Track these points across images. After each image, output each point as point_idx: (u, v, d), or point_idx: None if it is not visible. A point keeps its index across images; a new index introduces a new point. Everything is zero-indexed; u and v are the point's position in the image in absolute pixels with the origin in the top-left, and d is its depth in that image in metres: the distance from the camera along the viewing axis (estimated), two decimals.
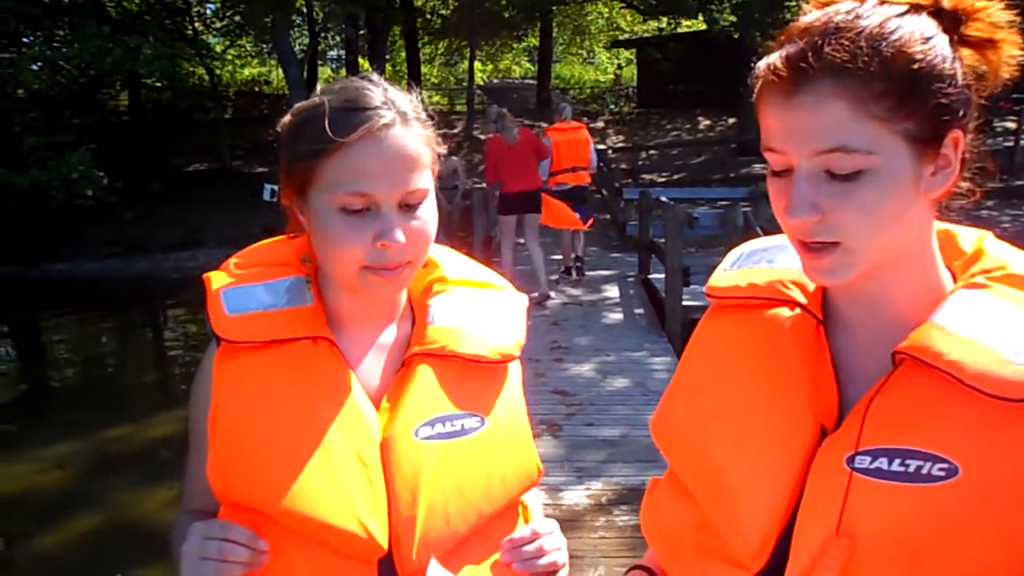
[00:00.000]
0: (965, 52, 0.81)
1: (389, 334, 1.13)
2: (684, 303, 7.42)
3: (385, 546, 0.98)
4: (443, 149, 1.09)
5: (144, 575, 4.54)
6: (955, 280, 0.88)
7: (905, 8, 0.80)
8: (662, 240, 8.44)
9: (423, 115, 1.05)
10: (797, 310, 0.94)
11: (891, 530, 0.77)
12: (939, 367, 0.77)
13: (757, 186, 11.68)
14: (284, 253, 1.14)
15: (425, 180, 1.02)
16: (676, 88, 26.70)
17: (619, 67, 40.68)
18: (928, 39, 0.78)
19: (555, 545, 1.09)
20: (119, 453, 6.47)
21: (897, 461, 0.78)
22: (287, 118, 1.05)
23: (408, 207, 1.01)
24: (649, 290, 9.11)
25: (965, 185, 0.85)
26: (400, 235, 0.99)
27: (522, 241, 8.62)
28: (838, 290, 0.90)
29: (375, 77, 1.06)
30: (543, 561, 1.07)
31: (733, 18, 19.17)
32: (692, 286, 7.47)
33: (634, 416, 5.30)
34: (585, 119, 26.33)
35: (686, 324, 7.33)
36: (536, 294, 8.08)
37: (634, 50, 32.74)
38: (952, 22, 0.80)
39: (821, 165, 0.78)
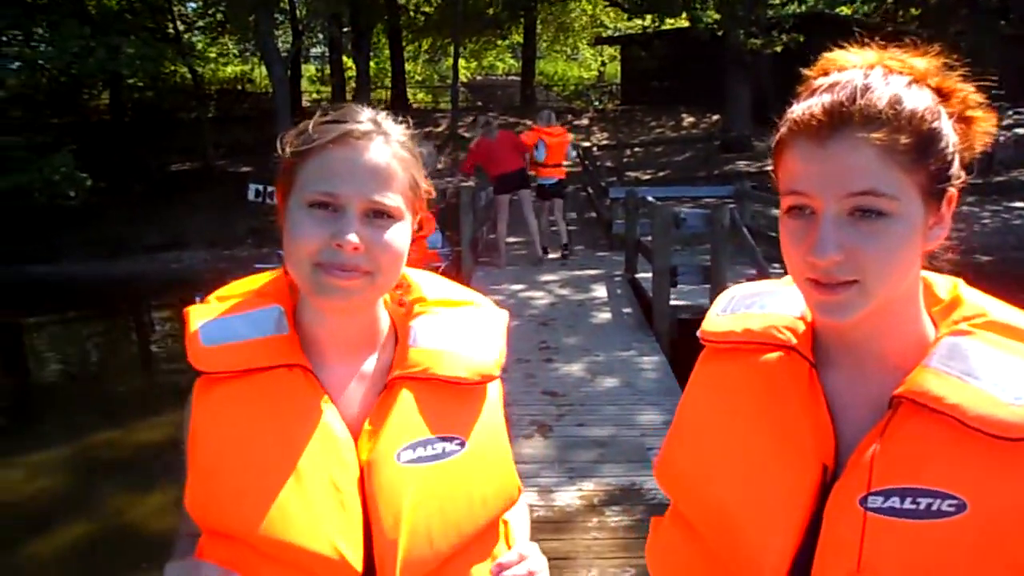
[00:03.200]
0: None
1: (372, 361, 1.14)
2: (672, 303, 7.46)
3: (359, 568, 0.99)
4: (429, 186, 1.12)
5: None
6: (935, 326, 0.93)
7: (910, 79, 0.87)
8: (648, 239, 8.48)
9: (411, 146, 1.09)
10: (789, 354, 0.99)
11: (907, 565, 0.82)
12: (940, 410, 0.83)
13: (742, 184, 11.77)
14: (266, 286, 1.16)
15: (396, 200, 1.04)
16: (660, 85, 26.81)
17: (603, 64, 40.76)
18: (935, 107, 0.86)
19: (540, 567, 1.10)
20: (107, 458, 6.44)
21: (908, 499, 0.83)
22: (297, 128, 1.10)
23: (375, 218, 1.03)
24: (636, 289, 9.12)
25: (947, 242, 0.93)
26: (354, 237, 1.00)
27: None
28: (830, 334, 0.96)
29: (376, 109, 1.12)
30: None
31: (717, 16, 19.25)
32: (680, 286, 7.50)
33: (624, 416, 5.32)
34: (569, 116, 26.47)
35: (673, 324, 7.37)
36: (535, 253, 10.68)
37: (618, 47, 32.79)
38: (940, 96, 0.88)
39: (850, 207, 0.84)
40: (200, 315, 1.12)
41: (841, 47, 0.92)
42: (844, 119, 0.83)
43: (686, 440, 1.04)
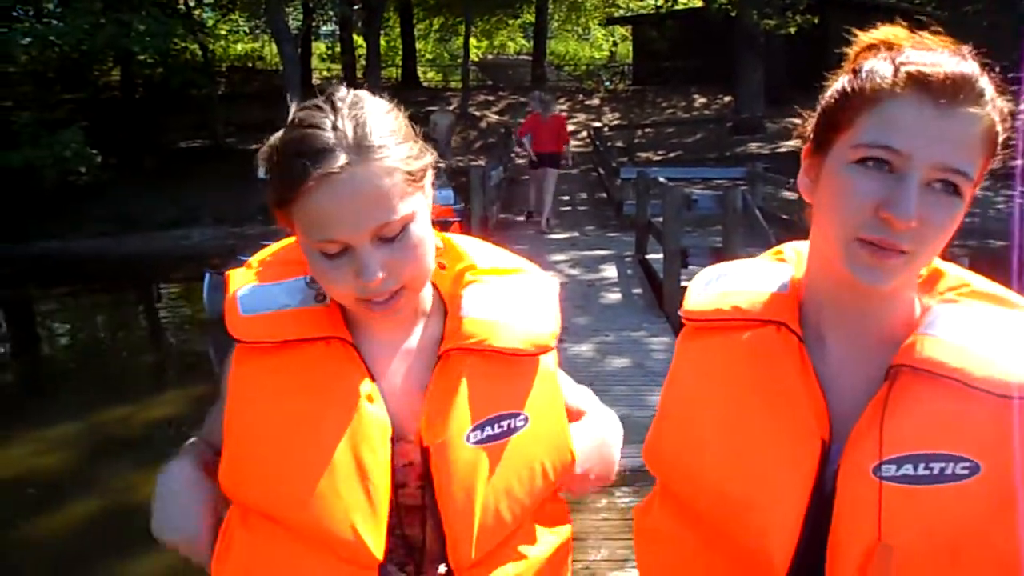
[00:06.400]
0: None
1: (418, 332, 1.12)
2: (682, 284, 7.42)
3: (378, 554, 0.97)
4: (422, 161, 1.02)
5: (143, 559, 4.54)
6: (918, 298, 0.94)
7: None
8: (659, 220, 8.44)
9: (390, 134, 0.98)
10: (779, 329, 0.97)
11: (928, 531, 0.82)
12: (944, 375, 0.84)
13: (754, 166, 11.69)
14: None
15: (401, 209, 0.97)
16: (672, 65, 26.57)
17: (614, 44, 40.50)
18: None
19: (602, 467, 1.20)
20: (116, 435, 6.45)
21: (922, 465, 0.83)
22: (265, 151, 1.03)
23: (386, 239, 0.97)
24: (647, 270, 9.11)
25: None
26: (378, 272, 0.96)
27: None
28: (823, 308, 0.95)
29: (338, 98, 0.99)
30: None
31: None
32: (690, 267, 7.47)
33: (634, 396, 5.31)
34: (580, 96, 26.32)
35: None
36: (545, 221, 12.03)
37: (629, 27, 32.53)
38: None
39: (936, 178, 0.82)
40: (240, 281, 1.09)
41: (857, 27, 0.91)
42: (969, 90, 0.81)
43: (676, 420, 1.02)
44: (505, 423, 1.06)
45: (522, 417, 1.07)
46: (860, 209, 0.84)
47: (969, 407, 0.83)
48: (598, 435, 1.22)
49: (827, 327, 0.95)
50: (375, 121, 0.98)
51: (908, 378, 0.86)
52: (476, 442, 1.03)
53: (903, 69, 0.83)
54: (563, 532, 1.14)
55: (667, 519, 1.01)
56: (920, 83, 0.81)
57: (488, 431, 1.04)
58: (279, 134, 1.01)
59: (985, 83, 0.82)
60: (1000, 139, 0.84)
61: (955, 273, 0.96)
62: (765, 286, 1.01)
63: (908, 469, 0.83)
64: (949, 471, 0.82)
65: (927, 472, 0.83)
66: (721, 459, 0.94)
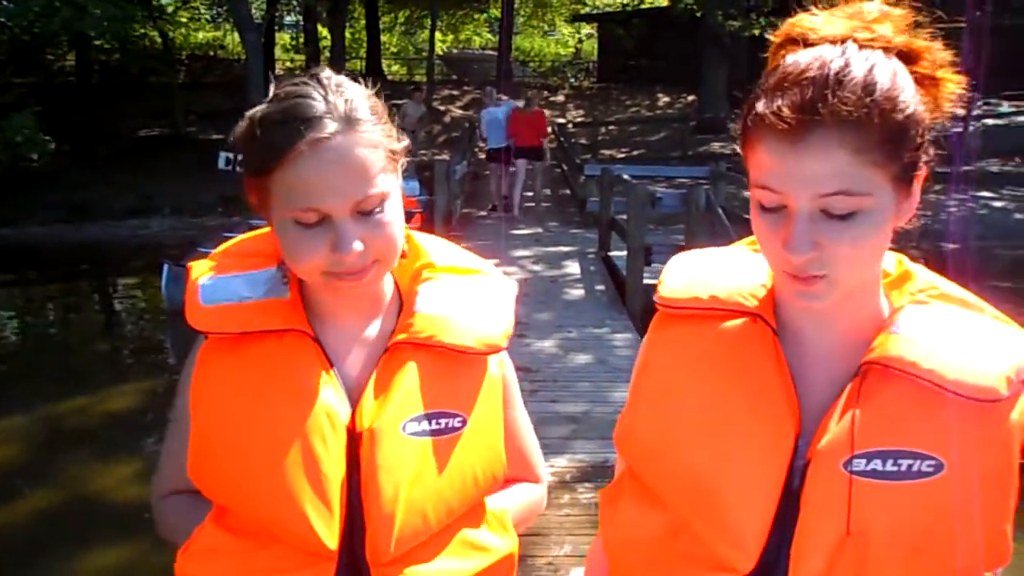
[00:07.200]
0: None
1: (375, 325, 1.11)
2: (645, 281, 7.48)
3: (332, 546, 0.97)
4: (401, 144, 1.04)
5: (101, 552, 4.46)
6: (886, 297, 0.95)
7: (881, 52, 0.83)
8: (623, 217, 8.48)
9: (373, 114, 1.01)
10: (754, 320, 0.97)
11: (892, 526, 0.84)
12: (915, 375, 0.85)
13: (717, 165, 11.80)
14: (267, 245, 1.11)
15: (381, 184, 0.99)
16: (636, 64, 26.73)
17: (580, 41, 40.59)
18: (907, 86, 0.83)
19: None
20: (71, 427, 6.33)
21: (890, 461, 0.85)
22: (242, 125, 1.02)
23: (365, 213, 0.98)
24: (609, 267, 9.16)
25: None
26: (356, 245, 0.97)
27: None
28: (798, 305, 0.94)
29: (323, 76, 1.02)
30: None
31: None
32: (653, 265, 7.52)
33: (596, 393, 5.34)
34: (545, 92, 26.36)
35: (647, 302, 7.39)
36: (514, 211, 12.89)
37: (595, 25, 32.66)
38: (906, 61, 0.85)
39: (820, 206, 0.82)
40: (201, 271, 1.08)
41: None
42: (815, 122, 0.79)
43: (648, 406, 1.01)
44: (444, 421, 1.05)
45: (460, 419, 1.07)
46: (771, 247, 0.86)
47: (936, 407, 0.85)
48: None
49: (799, 322, 0.95)
50: (360, 100, 1.00)
51: (878, 375, 0.88)
52: (412, 433, 1.02)
53: (751, 116, 0.83)
54: (500, 549, 1.09)
55: (635, 504, 1.00)
56: (770, 129, 0.81)
57: (425, 425, 1.04)
58: (259, 107, 1.00)
59: (848, 92, 0.79)
60: (887, 136, 0.80)
61: (924, 276, 0.97)
62: (742, 277, 1.01)
63: (877, 464, 0.85)
64: (916, 468, 0.84)
65: (895, 468, 0.85)
66: (696, 446, 0.94)
